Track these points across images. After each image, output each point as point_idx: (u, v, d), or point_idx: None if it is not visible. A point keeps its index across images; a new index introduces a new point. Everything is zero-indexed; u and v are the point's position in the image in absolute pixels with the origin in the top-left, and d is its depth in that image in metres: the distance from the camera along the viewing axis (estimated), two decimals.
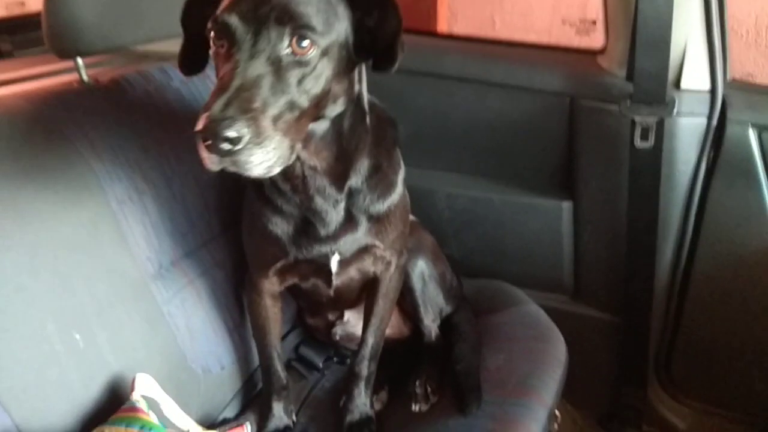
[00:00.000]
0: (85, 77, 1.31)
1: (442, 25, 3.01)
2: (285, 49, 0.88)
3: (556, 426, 1.49)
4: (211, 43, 0.92)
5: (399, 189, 1.24)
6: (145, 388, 1.08)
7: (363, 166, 1.15)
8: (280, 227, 1.17)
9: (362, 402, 1.36)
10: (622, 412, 1.82)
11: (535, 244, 1.79)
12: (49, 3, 1.19)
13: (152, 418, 1.02)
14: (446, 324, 1.54)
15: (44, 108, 1.17)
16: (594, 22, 2.66)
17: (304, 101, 0.90)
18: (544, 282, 1.82)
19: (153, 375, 1.13)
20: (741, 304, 1.61)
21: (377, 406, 1.40)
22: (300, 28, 0.88)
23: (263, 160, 0.83)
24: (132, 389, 1.07)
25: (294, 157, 0.93)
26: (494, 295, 1.68)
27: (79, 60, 1.29)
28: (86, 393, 1.08)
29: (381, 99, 1.19)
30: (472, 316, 1.58)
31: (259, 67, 0.85)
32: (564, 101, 1.63)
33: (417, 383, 1.37)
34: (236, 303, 1.44)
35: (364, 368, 1.35)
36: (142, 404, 1.04)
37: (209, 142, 0.79)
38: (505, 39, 1.87)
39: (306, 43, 0.88)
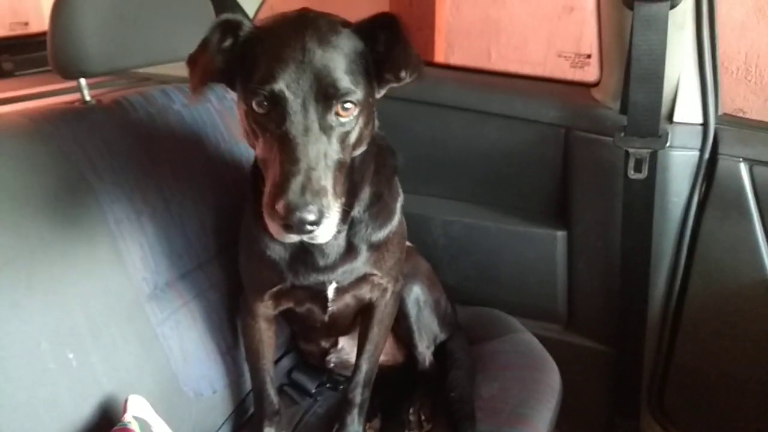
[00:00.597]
0: (87, 97, 1.32)
1: (440, 57, 3.06)
2: (332, 117, 0.92)
3: None
4: (250, 105, 0.93)
5: (398, 216, 1.25)
6: (138, 410, 1.07)
7: (365, 195, 1.16)
8: (278, 253, 1.18)
9: (355, 429, 1.35)
10: None
11: (529, 272, 1.79)
12: (54, 25, 1.20)
13: None
14: (440, 351, 1.53)
15: (46, 126, 1.18)
16: (588, 56, 2.72)
17: (347, 156, 0.96)
18: (538, 311, 1.82)
19: (145, 397, 1.11)
20: (733, 336, 1.61)
21: None
22: (344, 96, 0.92)
23: (331, 227, 0.90)
24: (124, 410, 1.05)
25: None
26: (488, 323, 1.68)
27: (82, 80, 1.31)
28: (78, 413, 1.07)
29: (378, 126, 1.20)
30: (466, 344, 1.57)
31: (315, 140, 0.89)
32: (559, 132, 1.66)
33: (410, 411, 1.36)
34: (230, 326, 1.44)
35: (358, 395, 1.34)
36: (133, 426, 1.03)
37: (294, 227, 0.85)
38: (502, 70, 1.90)
39: (349, 106, 0.93)
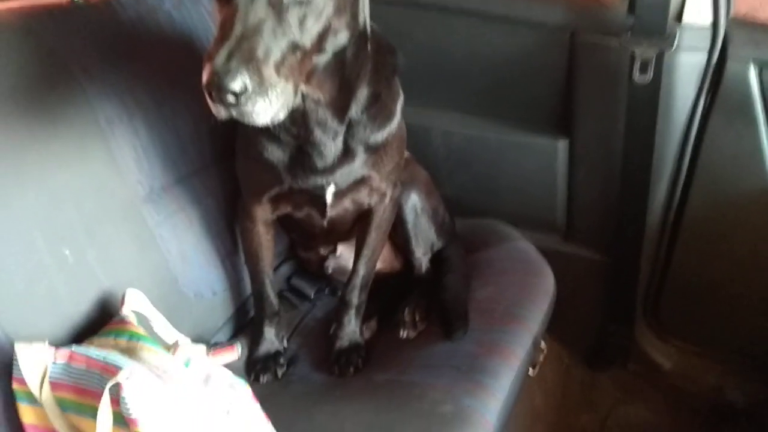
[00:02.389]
0: None
1: None
2: None
3: (541, 357, 1.52)
4: None
5: (397, 118, 1.23)
6: (135, 304, 1.09)
7: (363, 95, 1.13)
8: (276, 155, 1.16)
9: (352, 330, 1.38)
10: (608, 350, 1.85)
11: (529, 183, 1.78)
12: None
13: (141, 330, 1.04)
14: (437, 258, 1.54)
15: (33, 23, 1.15)
16: None
17: (306, 41, 0.90)
18: (537, 222, 1.82)
19: (144, 294, 1.14)
20: (731, 245, 1.61)
21: (367, 335, 1.42)
22: None
23: (268, 108, 0.84)
24: (122, 304, 1.08)
25: (298, 97, 0.93)
26: (486, 233, 1.69)
27: None
28: (75, 307, 1.10)
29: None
30: (462, 252, 1.58)
31: (259, 11, 0.83)
32: (564, 36, 1.59)
33: (405, 311, 1.39)
34: (228, 232, 1.45)
35: (355, 297, 1.37)
36: (131, 318, 1.05)
37: (214, 94, 0.80)
38: None
39: None
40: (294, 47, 0.88)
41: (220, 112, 0.85)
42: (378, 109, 1.17)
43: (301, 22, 0.88)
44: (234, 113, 0.84)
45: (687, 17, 1.45)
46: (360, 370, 1.32)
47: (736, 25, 1.46)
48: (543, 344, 1.49)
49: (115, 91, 1.23)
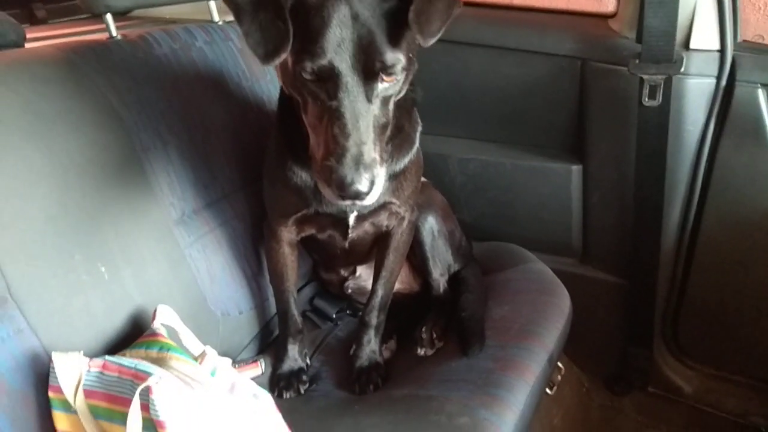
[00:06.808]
0: (114, 33, 1.38)
1: None
2: (378, 84, 0.95)
3: (558, 377, 1.53)
4: (296, 70, 0.94)
5: (416, 145, 1.30)
6: (166, 318, 1.15)
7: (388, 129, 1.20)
8: (304, 179, 1.23)
9: (371, 349, 1.42)
10: (628, 374, 1.85)
11: (544, 207, 1.81)
12: None
13: (171, 342, 1.09)
14: (454, 279, 1.58)
15: (75, 57, 1.25)
16: None
17: (390, 115, 1.01)
18: (553, 245, 1.85)
19: (175, 311, 1.20)
20: (747, 266, 1.61)
21: (386, 354, 1.46)
22: (390, 68, 0.94)
23: (378, 191, 0.96)
24: (153, 318, 1.14)
25: None
26: (502, 255, 1.72)
27: (109, 17, 1.37)
28: (109, 322, 1.16)
29: None
30: (479, 273, 1.62)
31: (364, 113, 0.94)
32: (575, 64, 1.65)
33: (423, 329, 1.43)
34: (254, 253, 1.51)
35: (374, 318, 1.41)
36: (162, 331, 1.11)
37: (344, 195, 0.93)
38: (519, 4, 1.89)
39: (396, 72, 0.95)
40: (384, 128, 0.99)
41: (345, 203, 1.02)
42: (401, 140, 1.24)
43: (387, 102, 0.99)
44: (357, 202, 0.95)
45: (694, 43, 1.49)
46: (379, 388, 1.36)
47: (743, 50, 1.50)
48: (560, 365, 1.50)
49: (150, 120, 1.31)
